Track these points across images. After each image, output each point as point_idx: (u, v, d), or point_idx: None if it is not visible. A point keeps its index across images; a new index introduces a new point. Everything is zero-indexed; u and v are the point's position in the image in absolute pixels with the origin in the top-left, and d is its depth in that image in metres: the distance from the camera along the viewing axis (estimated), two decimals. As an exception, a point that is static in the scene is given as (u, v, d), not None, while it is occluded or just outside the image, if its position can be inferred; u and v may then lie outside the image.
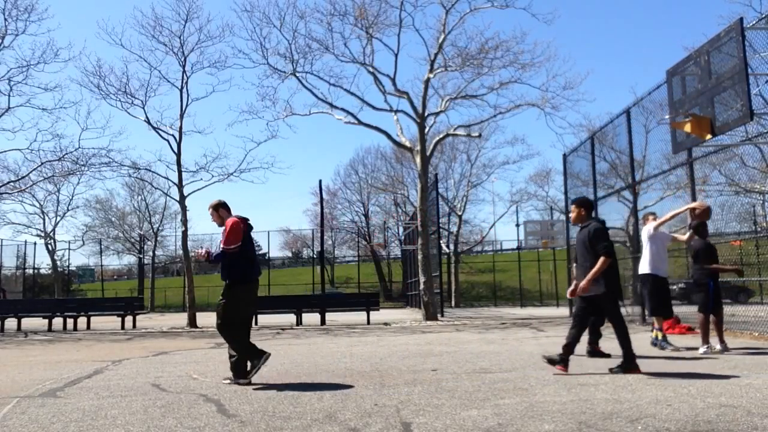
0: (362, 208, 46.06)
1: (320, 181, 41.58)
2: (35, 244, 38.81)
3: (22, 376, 6.87)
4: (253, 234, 6.24)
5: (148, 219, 42.45)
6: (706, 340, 7.65)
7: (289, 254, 59.56)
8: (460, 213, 39.32)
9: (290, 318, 17.41)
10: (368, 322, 16.39)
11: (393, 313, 24.06)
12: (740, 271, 8.86)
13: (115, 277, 61.28)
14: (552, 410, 4.25)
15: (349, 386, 5.53)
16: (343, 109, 20.29)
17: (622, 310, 6.44)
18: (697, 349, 7.78)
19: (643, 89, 28.01)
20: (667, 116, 10.44)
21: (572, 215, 6.41)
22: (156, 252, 42.66)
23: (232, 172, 19.74)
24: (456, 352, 8.50)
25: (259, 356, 5.79)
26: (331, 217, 45.29)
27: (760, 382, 5.32)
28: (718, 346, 7.67)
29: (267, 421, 4.11)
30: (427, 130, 20.09)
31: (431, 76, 19.67)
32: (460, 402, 4.65)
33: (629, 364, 5.91)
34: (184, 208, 18.92)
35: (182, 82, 18.85)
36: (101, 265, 44.90)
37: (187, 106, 18.90)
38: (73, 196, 38.70)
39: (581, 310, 6.20)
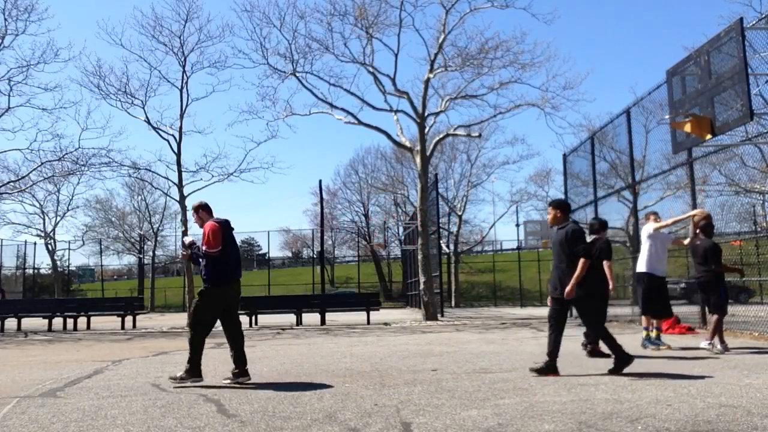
0: (362, 208, 46.12)
1: (320, 181, 41.60)
2: (35, 244, 38.88)
3: (22, 376, 6.88)
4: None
5: (148, 219, 42.50)
6: (722, 339, 7.68)
7: (289, 254, 59.62)
8: (460, 213, 39.35)
9: (290, 318, 17.41)
10: (368, 322, 16.39)
11: (393, 313, 24.04)
12: (741, 271, 8.94)
13: (115, 277, 61.23)
14: (552, 410, 4.25)
15: (349, 386, 5.54)
16: (343, 109, 20.33)
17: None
18: (697, 349, 7.81)
19: (643, 89, 28.01)
20: (667, 116, 10.44)
21: (549, 217, 6.36)
22: (156, 252, 42.73)
23: (232, 172, 19.84)
24: (456, 352, 8.50)
25: (196, 374, 5.84)
26: (331, 217, 45.33)
27: (760, 382, 5.32)
28: (718, 346, 7.68)
29: (267, 421, 4.11)
30: (427, 130, 20.09)
31: (431, 76, 19.66)
32: (460, 402, 4.65)
33: (622, 362, 5.86)
34: (184, 208, 18.95)
35: (182, 82, 18.92)
36: (101, 265, 44.89)
37: (187, 106, 18.99)
38: (73, 196, 38.86)
39: (556, 312, 6.06)
